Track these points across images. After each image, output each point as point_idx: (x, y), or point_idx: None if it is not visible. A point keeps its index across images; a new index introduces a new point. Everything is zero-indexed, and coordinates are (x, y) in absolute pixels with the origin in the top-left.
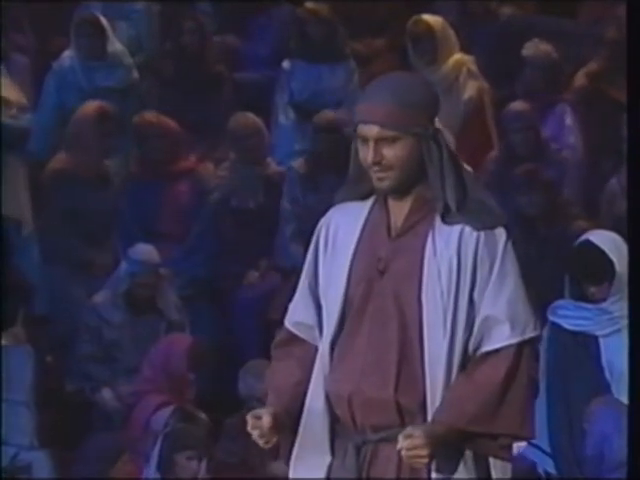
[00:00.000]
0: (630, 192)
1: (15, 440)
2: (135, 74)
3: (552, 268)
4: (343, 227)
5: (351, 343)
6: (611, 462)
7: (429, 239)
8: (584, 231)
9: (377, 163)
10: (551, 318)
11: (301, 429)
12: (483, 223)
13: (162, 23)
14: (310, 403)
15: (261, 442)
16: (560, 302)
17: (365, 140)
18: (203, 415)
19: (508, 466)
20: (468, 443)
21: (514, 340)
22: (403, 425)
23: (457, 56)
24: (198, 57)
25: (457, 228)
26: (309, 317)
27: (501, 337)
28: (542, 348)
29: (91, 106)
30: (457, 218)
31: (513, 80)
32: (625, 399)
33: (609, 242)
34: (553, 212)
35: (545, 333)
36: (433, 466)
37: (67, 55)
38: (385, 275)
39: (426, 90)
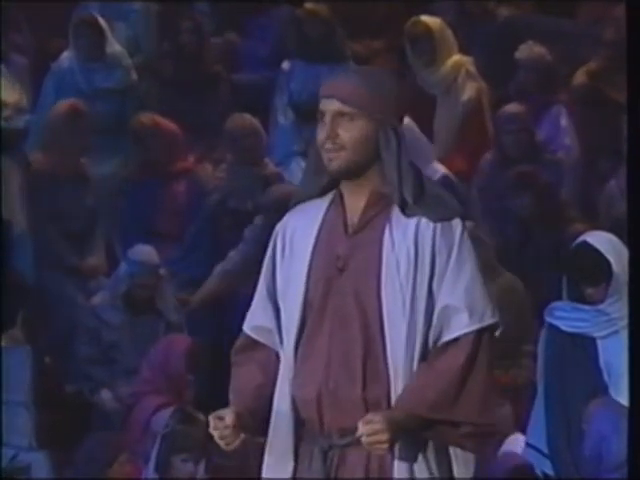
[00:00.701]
0: (630, 194)
1: (14, 441)
2: (134, 75)
3: (549, 270)
4: (300, 229)
5: (313, 344)
6: (609, 463)
7: (386, 233)
8: (581, 233)
9: (331, 139)
10: (548, 320)
11: (270, 435)
12: (440, 215)
13: (160, 23)
14: (276, 408)
15: (222, 443)
16: (557, 304)
17: (323, 116)
18: (202, 417)
19: (470, 458)
20: (429, 431)
21: (472, 328)
22: None
23: (456, 57)
24: (196, 57)
25: (414, 220)
26: (268, 321)
27: (460, 325)
28: (540, 350)
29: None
30: (414, 210)
31: (512, 81)
32: (623, 400)
33: (606, 243)
34: (549, 214)
35: (542, 335)
36: (396, 453)
37: (66, 56)
38: (344, 273)
39: (397, 86)
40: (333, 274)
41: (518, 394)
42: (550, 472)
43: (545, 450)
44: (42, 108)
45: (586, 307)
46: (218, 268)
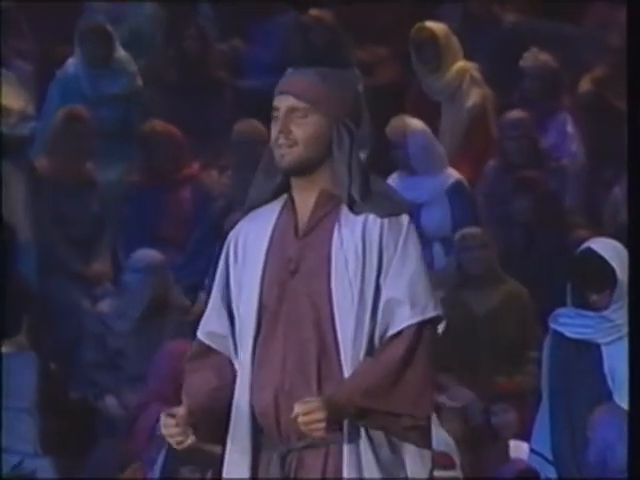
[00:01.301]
0: (630, 199)
1: (19, 447)
2: (139, 81)
3: (553, 276)
4: (252, 234)
5: (268, 348)
6: (614, 470)
7: (335, 232)
8: (585, 239)
9: (283, 134)
10: (553, 326)
11: (228, 444)
12: (387, 211)
13: (164, 29)
14: (234, 418)
15: (172, 442)
16: (562, 310)
17: (277, 111)
18: None
19: (427, 455)
20: (366, 419)
21: (414, 320)
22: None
23: (461, 63)
24: (200, 63)
25: (361, 218)
26: (222, 327)
27: (402, 318)
28: (544, 356)
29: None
30: (362, 208)
31: (517, 88)
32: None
33: (610, 250)
34: (553, 220)
35: (547, 341)
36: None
37: (71, 63)
38: (296, 275)
39: (357, 89)
40: (286, 277)
41: (522, 400)
42: (554, 478)
43: (549, 456)
44: (47, 114)
45: (590, 313)
46: None
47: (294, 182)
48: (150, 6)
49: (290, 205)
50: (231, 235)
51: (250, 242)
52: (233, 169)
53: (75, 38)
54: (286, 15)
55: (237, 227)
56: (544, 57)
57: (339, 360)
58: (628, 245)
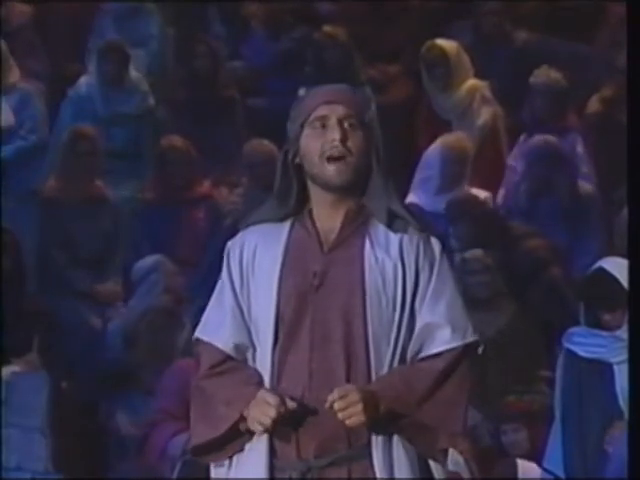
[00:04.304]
0: (631, 206)
1: (30, 466)
2: (151, 100)
3: (566, 296)
4: (262, 249)
5: (289, 361)
6: None
7: (367, 249)
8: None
9: (342, 142)
10: (566, 345)
11: (239, 463)
12: (419, 230)
13: (175, 48)
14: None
15: (260, 427)
16: (575, 329)
17: (324, 121)
18: None
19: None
20: (397, 426)
21: (455, 344)
22: (350, 446)
23: (471, 81)
24: (211, 82)
25: (396, 237)
26: (244, 338)
27: (443, 341)
28: (558, 375)
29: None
30: (397, 226)
31: (527, 106)
32: None
33: (622, 269)
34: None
35: (560, 360)
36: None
37: (83, 81)
38: (321, 289)
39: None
40: (307, 290)
41: (533, 419)
42: None
43: (562, 475)
44: (58, 133)
45: (603, 333)
46: None
47: (322, 196)
48: (160, 25)
49: (309, 220)
50: (230, 245)
51: (260, 255)
52: (243, 188)
53: (91, 57)
54: (298, 32)
55: (238, 238)
56: (555, 75)
57: (369, 377)
58: (628, 256)
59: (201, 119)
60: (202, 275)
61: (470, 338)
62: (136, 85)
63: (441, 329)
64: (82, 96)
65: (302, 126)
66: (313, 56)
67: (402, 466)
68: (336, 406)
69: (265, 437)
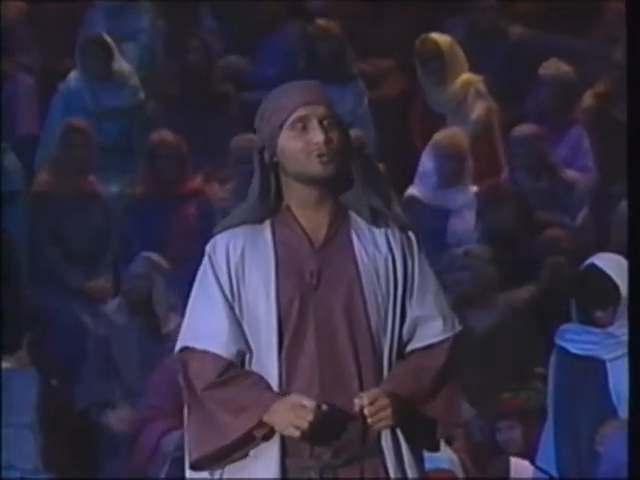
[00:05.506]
0: (631, 209)
1: (20, 464)
2: (141, 94)
3: (559, 292)
4: (250, 250)
5: (296, 364)
6: None
7: (356, 244)
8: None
9: (327, 143)
10: (558, 342)
11: (251, 465)
12: (399, 224)
13: (168, 42)
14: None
15: (297, 432)
16: (568, 326)
17: (305, 121)
18: None
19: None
20: (407, 424)
21: (448, 334)
22: (364, 445)
23: (465, 76)
24: (204, 76)
25: (380, 231)
26: (242, 343)
27: (435, 332)
28: (550, 372)
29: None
30: (380, 220)
31: (523, 100)
32: None
33: (614, 266)
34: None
35: (552, 357)
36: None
37: (73, 76)
38: (320, 288)
39: None
40: (306, 291)
41: (528, 417)
42: None
43: (555, 473)
44: (49, 128)
45: (596, 330)
46: None
47: (305, 193)
48: (151, 18)
49: (291, 219)
50: (212, 250)
51: (249, 258)
52: (233, 183)
53: (76, 51)
54: (291, 26)
55: (219, 242)
56: (566, 68)
57: (381, 373)
58: (628, 258)
59: (193, 113)
60: (193, 273)
61: (458, 328)
62: (126, 79)
63: (433, 320)
64: (72, 90)
65: (281, 127)
66: (306, 50)
67: (410, 461)
68: (367, 411)
69: (277, 438)
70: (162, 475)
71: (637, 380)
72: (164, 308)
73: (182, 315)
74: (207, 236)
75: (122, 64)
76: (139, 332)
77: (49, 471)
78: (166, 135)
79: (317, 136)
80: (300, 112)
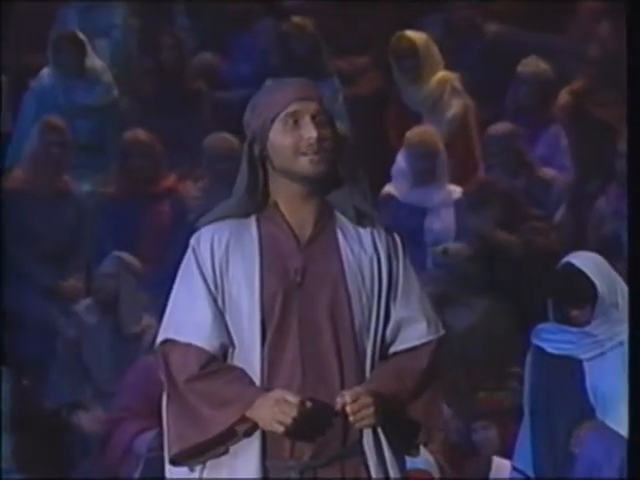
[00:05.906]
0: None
1: None
2: (115, 91)
3: (535, 291)
4: (235, 244)
5: (279, 361)
6: None
7: (341, 243)
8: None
9: (319, 140)
10: (534, 341)
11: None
12: (384, 225)
13: (140, 39)
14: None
15: (281, 427)
16: (544, 325)
17: (297, 117)
18: None
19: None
20: (388, 425)
21: (431, 337)
22: (345, 445)
23: (441, 73)
24: (177, 74)
25: (366, 231)
26: (225, 337)
27: (419, 334)
28: (526, 372)
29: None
30: (365, 220)
31: (499, 98)
32: (610, 423)
33: (591, 264)
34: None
35: (529, 357)
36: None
37: (45, 73)
38: (304, 285)
39: None
40: (290, 287)
41: (504, 417)
42: None
43: (531, 473)
44: (22, 126)
45: (572, 329)
46: None
47: (292, 189)
48: (124, 15)
49: (277, 214)
50: (196, 243)
51: (233, 252)
52: (206, 182)
53: (48, 47)
54: (265, 24)
55: (204, 235)
56: (543, 66)
57: (363, 372)
58: (628, 255)
59: (166, 111)
60: (167, 272)
61: (442, 331)
62: (99, 76)
63: (417, 323)
64: (45, 88)
65: (272, 121)
66: (281, 48)
67: (392, 461)
68: (349, 409)
69: (257, 437)
70: (136, 476)
71: (637, 380)
72: (132, 308)
73: (154, 315)
74: (180, 235)
75: (95, 61)
76: (110, 332)
77: (21, 471)
78: (139, 133)
79: (309, 132)
80: (293, 107)
